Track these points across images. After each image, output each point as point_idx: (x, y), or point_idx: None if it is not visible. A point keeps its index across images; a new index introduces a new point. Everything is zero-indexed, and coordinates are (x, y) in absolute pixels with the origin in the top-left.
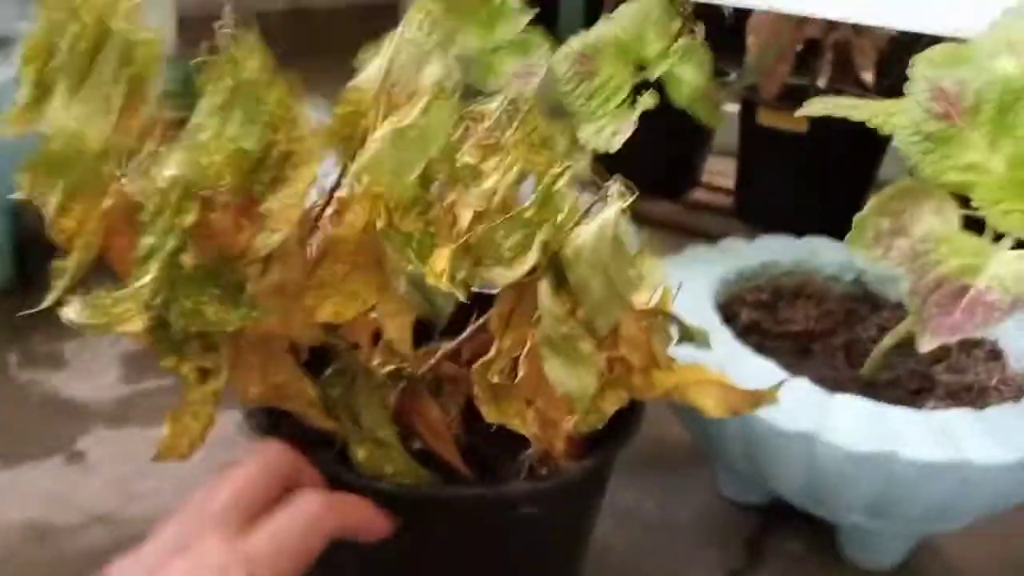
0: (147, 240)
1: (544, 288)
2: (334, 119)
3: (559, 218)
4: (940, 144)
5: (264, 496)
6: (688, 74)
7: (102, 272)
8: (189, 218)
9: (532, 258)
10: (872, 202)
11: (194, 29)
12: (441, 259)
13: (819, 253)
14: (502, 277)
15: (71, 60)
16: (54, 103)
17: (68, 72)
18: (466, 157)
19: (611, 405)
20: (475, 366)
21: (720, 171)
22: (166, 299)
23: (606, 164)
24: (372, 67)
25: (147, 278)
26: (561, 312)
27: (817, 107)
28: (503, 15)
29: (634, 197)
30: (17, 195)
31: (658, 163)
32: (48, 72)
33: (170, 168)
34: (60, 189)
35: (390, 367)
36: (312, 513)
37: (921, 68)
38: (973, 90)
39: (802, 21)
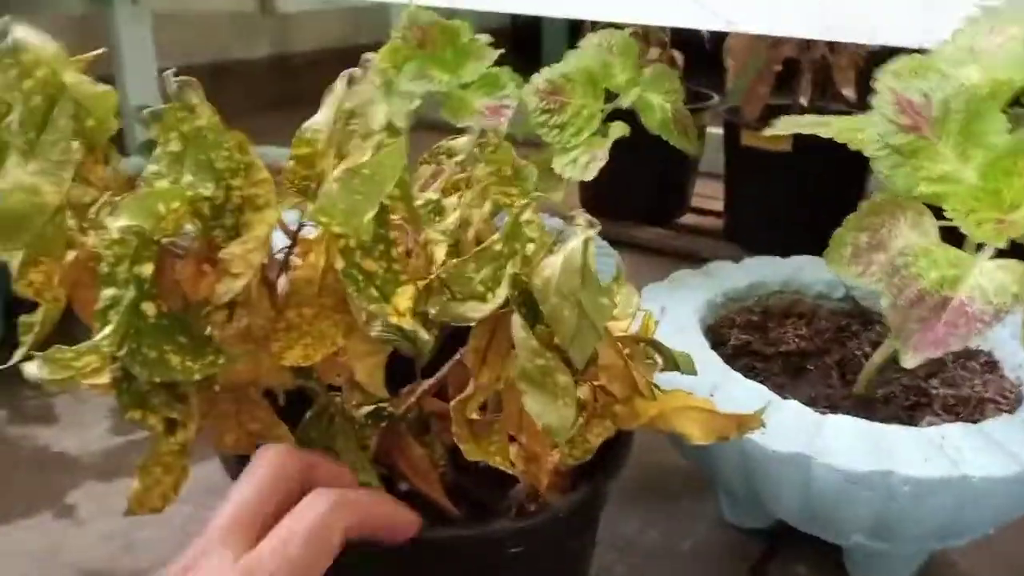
0: (107, 292)
1: (517, 321)
2: (291, 161)
3: (528, 250)
4: (910, 156)
5: (272, 503)
6: (658, 100)
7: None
8: (147, 268)
9: (503, 292)
10: (849, 218)
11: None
12: (404, 297)
13: (807, 271)
14: (475, 311)
15: (26, 116)
16: (11, 160)
17: (24, 128)
18: (429, 194)
19: (597, 437)
20: (453, 403)
21: (710, 194)
22: (130, 350)
23: (596, 194)
24: (326, 109)
25: (108, 330)
26: (536, 345)
27: (785, 125)
28: (471, 53)
29: (598, 228)
30: None
31: (648, 190)
32: (4, 129)
33: (122, 218)
34: (22, 244)
35: (369, 407)
36: (319, 514)
37: (886, 80)
38: (939, 100)
39: (778, 42)
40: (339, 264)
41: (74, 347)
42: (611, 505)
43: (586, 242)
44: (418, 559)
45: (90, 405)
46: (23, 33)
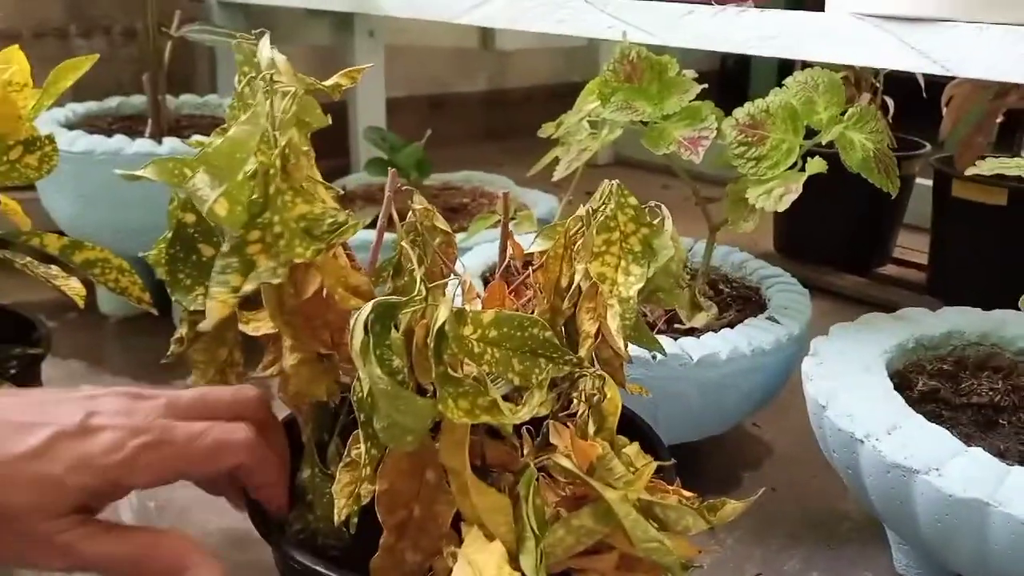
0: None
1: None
2: None
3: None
4: None
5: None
6: (859, 138)
7: None
8: (190, 216)
9: None
10: None
11: (400, 108)
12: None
13: (1010, 326)
14: None
15: (239, 103)
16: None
17: (237, 104)
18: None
19: None
20: None
21: (913, 246)
22: (173, 270)
23: (792, 237)
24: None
25: (154, 250)
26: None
27: (988, 166)
28: (676, 86)
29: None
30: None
31: (847, 236)
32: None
33: (146, 171)
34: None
35: None
36: (235, 438)
37: None
38: None
39: (1003, 91)
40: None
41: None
42: (773, 540)
43: (385, 307)
44: None
45: None
46: (263, 42)
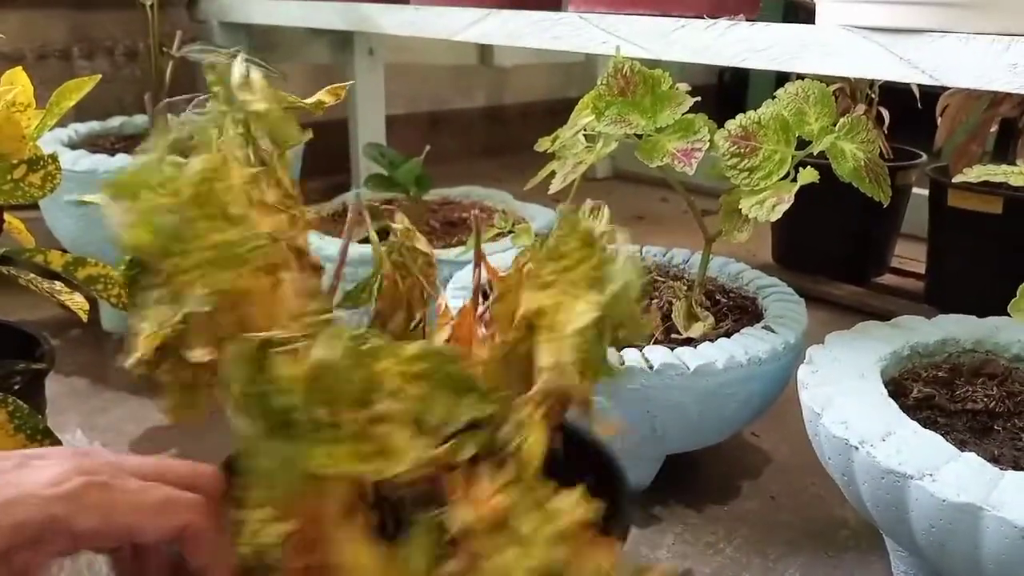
0: None
1: None
2: None
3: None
4: None
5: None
6: (851, 148)
7: None
8: None
9: None
10: None
11: (400, 125)
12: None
13: (1003, 332)
14: None
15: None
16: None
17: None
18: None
19: None
20: None
21: (910, 255)
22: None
23: (790, 247)
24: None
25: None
26: None
27: (977, 173)
28: (669, 99)
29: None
30: None
31: (845, 246)
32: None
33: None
34: None
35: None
36: (187, 496)
37: None
38: None
39: (996, 100)
40: None
41: None
42: (771, 549)
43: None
44: None
45: None
46: (237, 60)
